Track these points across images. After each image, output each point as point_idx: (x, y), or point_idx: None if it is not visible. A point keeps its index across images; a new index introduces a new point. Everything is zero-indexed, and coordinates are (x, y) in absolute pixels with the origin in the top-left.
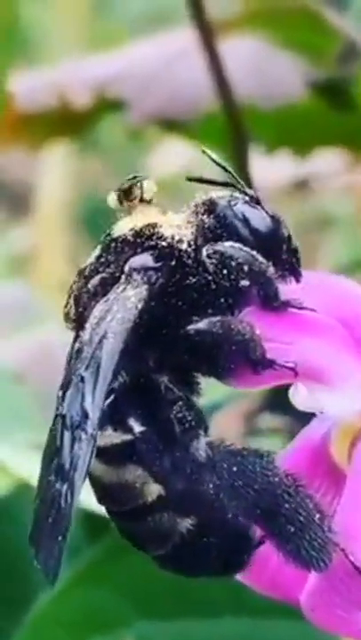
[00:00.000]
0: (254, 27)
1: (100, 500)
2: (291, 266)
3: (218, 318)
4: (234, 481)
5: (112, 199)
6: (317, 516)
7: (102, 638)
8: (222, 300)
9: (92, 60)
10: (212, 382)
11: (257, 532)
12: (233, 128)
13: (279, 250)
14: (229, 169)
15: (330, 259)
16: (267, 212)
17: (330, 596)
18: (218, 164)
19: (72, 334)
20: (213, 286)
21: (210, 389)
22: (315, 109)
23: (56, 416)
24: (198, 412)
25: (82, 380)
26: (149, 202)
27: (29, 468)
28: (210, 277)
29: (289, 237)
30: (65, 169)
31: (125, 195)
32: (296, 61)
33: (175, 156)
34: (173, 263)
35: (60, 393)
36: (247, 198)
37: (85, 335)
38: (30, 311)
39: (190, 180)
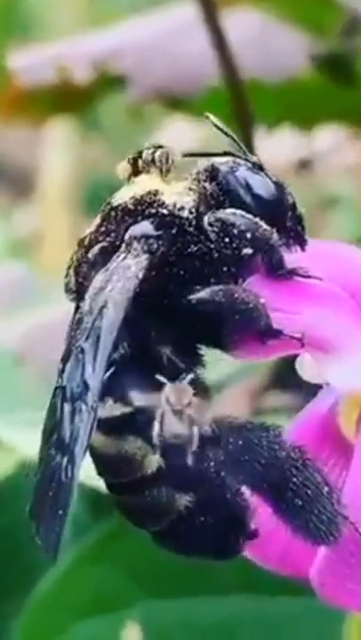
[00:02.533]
0: (257, 0)
1: (99, 472)
2: (295, 233)
3: (221, 287)
4: (240, 455)
5: (123, 167)
6: (325, 489)
7: (106, 618)
8: (225, 268)
9: (93, 36)
10: (218, 360)
11: (253, 519)
12: (237, 103)
13: (283, 217)
14: (233, 135)
15: (335, 238)
16: (270, 179)
17: (340, 569)
18: (221, 130)
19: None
20: (216, 254)
21: (216, 367)
22: (318, 84)
23: (56, 388)
24: (203, 385)
25: (82, 351)
26: (150, 170)
27: (31, 448)
28: (212, 245)
29: (293, 204)
30: (68, 150)
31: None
32: (299, 35)
33: (180, 135)
34: (175, 231)
35: (60, 365)
36: (250, 164)
37: (85, 305)
38: (31, 292)
39: (188, 155)
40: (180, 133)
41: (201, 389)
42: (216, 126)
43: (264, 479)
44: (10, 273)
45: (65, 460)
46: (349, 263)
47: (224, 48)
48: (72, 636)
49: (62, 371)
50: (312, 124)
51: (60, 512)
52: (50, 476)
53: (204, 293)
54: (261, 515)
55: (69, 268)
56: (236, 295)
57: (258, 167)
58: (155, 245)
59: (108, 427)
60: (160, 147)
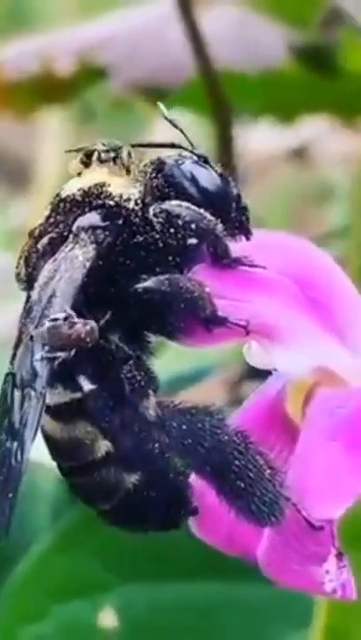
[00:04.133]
0: None
1: (52, 456)
2: (240, 224)
3: (166, 276)
4: (183, 439)
5: (74, 165)
6: (268, 472)
7: (83, 602)
8: (171, 258)
9: (77, 28)
10: (195, 352)
11: (193, 494)
12: (212, 95)
13: (228, 208)
14: (181, 128)
15: (327, 227)
16: (215, 171)
17: (284, 550)
18: (170, 122)
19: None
20: (162, 244)
21: (194, 358)
22: (300, 76)
23: (6, 375)
24: (149, 372)
25: (31, 338)
26: (102, 162)
27: None
28: (158, 236)
29: (238, 196)
30: (64, 142)
31: (86, 158)
32: (279, 27)
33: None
34: (121, 222)
35: (12, 352)
36: (195, 158)
37: (34, 295)
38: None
39: (135, 146)
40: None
41: (146, 376)
42: (165, 118)
43: (207, 462)
44: (2, 262)
45: (15, 444)
46: (294, 252)
47: (199, 41)
48: (52, 619)
49: (13, 357)
50: (293, 115)
51: (11, 495)
52: (0, 461)
53: (149, 282)
54: (208, 496)
55: (20, 258)
56: (181, 284)
57: (203, 160)
58: (102, 236)
59: (59, 412)
60: (111, 145)
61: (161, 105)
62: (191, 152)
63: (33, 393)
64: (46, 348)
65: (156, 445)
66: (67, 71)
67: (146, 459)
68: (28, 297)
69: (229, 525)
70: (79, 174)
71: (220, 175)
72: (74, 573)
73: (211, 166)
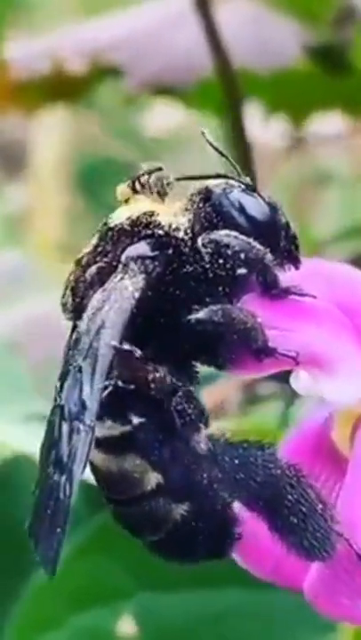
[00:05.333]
0: None
1: (101, 487)
2: (289, 253)
3: (219, 307)
4: (236, 474)
5: (123, 190)
6: (320, 506)
7: (103, 609)
8: (221, 288)
9: (88, 27)
10: None
11: (239, 522)
12: (229, 93)
13: (277, 237)
14: (227, 156)
15: (327, 219)
16: (263, 199)
17: (334, 584)
18: (216, 150)
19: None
20: (211, 274)
21: None
22: (312, 74)
23: (54, 407)
24: (198, 404)
25: (80, 370)
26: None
27: (26, 440)
28: (207, 266)
29: (287, 224)
30: (60, 129)
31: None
32: (292, 25)
33: (169, 116)
34: (170, 252)
35: (58, 384)
36: (243, 186)
37: (83, 325)
38: (27, 280)
39: (181, 179)
40: (168, 115)
41: (196, 408)
42: (212, 146)
43: (260, 496)
44: (6, 259)
45: (63, 478)
46: (342, 281)
47: (216, 37)
48: (68, 629)
49: (60, 389)
50: (306, 113)
51: (58, 530)
52: (48, 493)
53: (203, 313)
54: (257, 529)
55: (66, 287)
56: (234, 315)
57: (251, 188)
58: (151, 266)
59: (108, 445)
60: (156, 170)
61: (206, 131)
62: (238, 180)
63: (81, 426)
64: (100, 379)
65: (205, 477)
66: (78, 70)
67: (196, 491)
68: (74, 327)
69: (277, 557)
70: (127, 201)
71: (269, 204)
72: (92, 580)
73: (259, 194)
